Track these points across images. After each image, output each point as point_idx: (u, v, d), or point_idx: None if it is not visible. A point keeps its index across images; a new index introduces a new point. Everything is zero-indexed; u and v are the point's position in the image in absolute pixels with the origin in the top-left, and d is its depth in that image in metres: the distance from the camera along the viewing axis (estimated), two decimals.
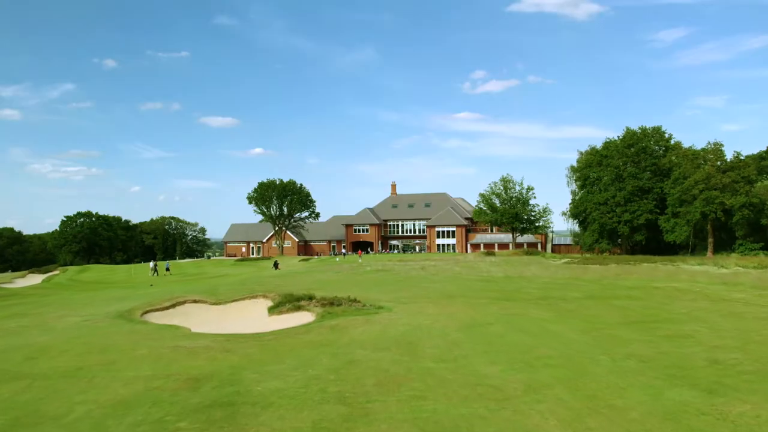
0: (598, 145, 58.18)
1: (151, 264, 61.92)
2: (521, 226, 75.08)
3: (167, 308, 20.57)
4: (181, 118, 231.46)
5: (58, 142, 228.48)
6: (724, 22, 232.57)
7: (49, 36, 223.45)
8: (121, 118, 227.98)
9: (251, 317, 19.08)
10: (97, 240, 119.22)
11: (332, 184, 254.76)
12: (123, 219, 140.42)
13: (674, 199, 48.44)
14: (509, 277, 31.19)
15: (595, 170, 56.33)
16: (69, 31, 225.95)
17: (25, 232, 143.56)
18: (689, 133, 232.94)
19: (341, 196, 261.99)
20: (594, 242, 55.07)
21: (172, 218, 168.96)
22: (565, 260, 42.12)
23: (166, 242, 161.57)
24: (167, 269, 61.11)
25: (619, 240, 55.47)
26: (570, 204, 60.70)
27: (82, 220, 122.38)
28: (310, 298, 19.29)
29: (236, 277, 44.01)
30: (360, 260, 61.72)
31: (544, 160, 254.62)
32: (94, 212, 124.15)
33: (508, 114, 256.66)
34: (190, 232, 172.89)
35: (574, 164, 61.62)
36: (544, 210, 74.87)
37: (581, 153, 61.36)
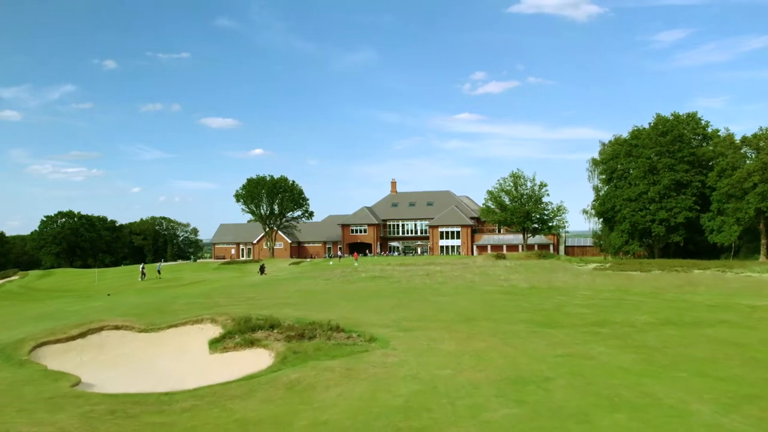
0: (624, 134, 52.17)
1: (140, 267, 56.36)
2: (533, 226, 69.17)
3: (74, 338, 14.75)
4: (181, 119, 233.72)
5: (59, 143, 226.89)
6: (724, 24, 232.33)
7: (49, 37, 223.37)
8: (121, 119, 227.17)
9: (183, 356, 13.26)
10: (78, 241, 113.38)
11: (332, 185, 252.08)
12: (109, 219, 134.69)
13: (721, 194, 42.41)
14: (537, 288, 25.34)
15: (622, 162, 50.18)
16: (69, 32, 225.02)
17: (21, 233, 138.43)
18: None
19: (342, 197, 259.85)
20: (623, 244, 48.96)
21: (163, 218, 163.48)
22: (594, 265, 36.29)
23: (157, 243, 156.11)
24: (159, 272, 55.39)
25: (651, 241, 49.34)
26: (594, 201, 54.49)
27: (63, 220, 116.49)
28: (272, 326, 13.51)
29: (210, 284, 38.22)
30: (356, 264, 55.96)
31: (544, 161, 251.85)
32: (76, 212, 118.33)
33: (508, 115, 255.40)
34: (182, 233, 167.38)
35: (596, 156, 55.65)
36: (558, 208, 68.87)
37: (604, 144, 55.26)
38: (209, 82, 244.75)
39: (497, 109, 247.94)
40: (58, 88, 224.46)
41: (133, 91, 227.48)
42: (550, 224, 68.71)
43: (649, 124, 50.67)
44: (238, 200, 79.01)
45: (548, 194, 69.27)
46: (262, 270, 53.19)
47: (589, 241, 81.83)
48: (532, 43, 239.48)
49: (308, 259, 72.90)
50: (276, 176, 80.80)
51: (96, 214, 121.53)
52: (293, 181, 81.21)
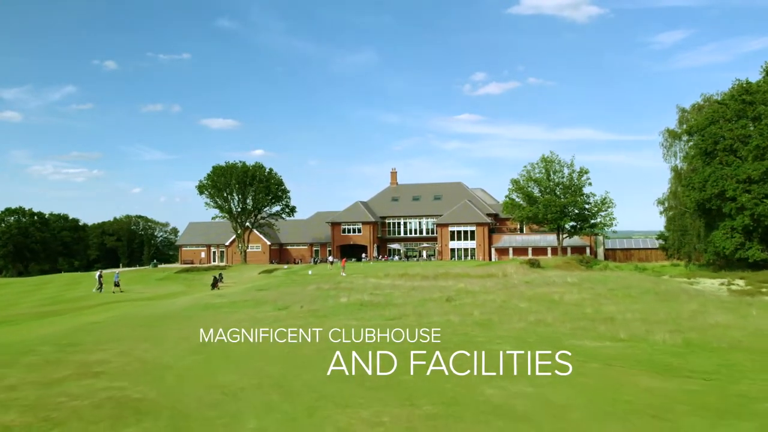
0: (714, 93, 38.29)
1: (97, 275, 42.67)
2: (571, 223, 56.09)
3: None
4: (181, 120, 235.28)
5: (59, 144, 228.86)
6: (724, 25, 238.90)
7: (49, 38, 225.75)
8: (121, 119, 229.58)
9: None
10: (27, 242, 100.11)
11: (332, 186, 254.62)
12: (71, 217, 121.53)
13: None
14: (706, 347, 12.14)
15: (729, 128, 36.23)
16: (70, 33, 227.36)
17: None
18: None
19: (342, 197, 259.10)
20: (737, 248, 34.93)
21: (140, 217, 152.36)
22: (717, 282, 23.05)
23: (132, 245, 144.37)
24: (116, 284, 40.83)
25: None
26: (683, 185, 40.35)
27: (12, 218, 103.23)
28: None
29: (109, 310, 25.13)
30: (343, 273, 43.02)
31: None
32: (27, 208, 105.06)
33: (508, 116, 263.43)
34: (160, 234, 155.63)
35: (672, 127, 42.16)
36: (603, 201, 55.86)
37: (684, 111, 41.45)
38: (210, 83, 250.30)
39: (497, 110, 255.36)
40: (58, 89, 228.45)
41: (134, 91, 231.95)
42: (593, 221, 55.63)
43: (763, 70, 36.90)
44: (201, 192, 65.74)
45: (590, 183, 56.25)
46: (215, 283, 40.32)
47: (634, 243, 68.68)
48: (532, 44, 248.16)
49: (286, 266, 59.67)
50: (250, 163, 67.49)
51: (36, 211, 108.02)
52: (270, 169, 68.07)
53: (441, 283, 30.20)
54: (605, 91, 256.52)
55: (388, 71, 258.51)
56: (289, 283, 35.22)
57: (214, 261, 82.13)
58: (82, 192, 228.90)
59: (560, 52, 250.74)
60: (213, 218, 68.31)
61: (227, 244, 79.69)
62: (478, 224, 70.15)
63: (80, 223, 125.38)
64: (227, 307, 22.64)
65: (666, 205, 44.91)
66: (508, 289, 24.50)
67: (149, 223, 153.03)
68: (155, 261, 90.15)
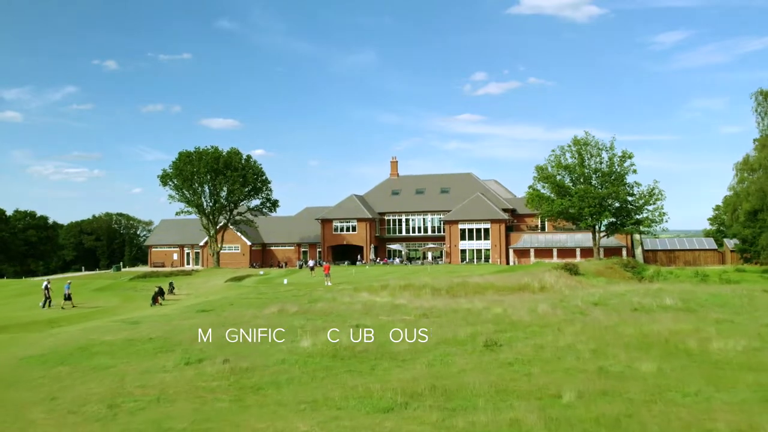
0: None
1: (43, 285, 31.61)
2: (610, 220, 46.82)
3: None
4: (182, 120, 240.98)
5: (60, 144, 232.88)
6: (723, 25, 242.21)
7: (50, 39, 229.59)
8: (122, 120, 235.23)
9: None
10: None
11: (332, 186, 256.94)
12: (38, 215, 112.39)
13: None
14: None
15: None
16: (70, 33, 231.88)
17: None
18: (689, 134, 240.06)
19: (340, 197, 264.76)
20: None
21: (121, 215, 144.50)
22: None
23: (112, 245, 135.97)
24: (67, 297, 30.37)
25: None
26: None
27: None
28: None
29: None
30: (328, 282, 33.98)
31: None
32: None
33: (508, 116, 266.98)
34: (143, 233, 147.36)
35: (765, 87, 33.25)
36: (651, 193, 46.54)
37: None
38: (210, 83, 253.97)
39: (498, 110, 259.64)
40: (59, 89, 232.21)
41: (134, 92, 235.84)
42: (639, 216, 46.41)
43: None
44: (164, 183, 56.34)
45: (635, 171, 46.84)
46: (155, 297, 31.26)
47: (678, 243, 59.46)
48: (532, 44, 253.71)
49: (262, 272, 50.29)
50: (225, 149, 58.00)
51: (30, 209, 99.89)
52: (248, 156, 58.72)
53: (462, 302, 21.04)
54: (605, 92, 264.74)
55: (388, 71, 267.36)
56: (250, 300, 26.08)
57: (188, 264, 73.00)
58: (83, 192, 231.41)
59: (560, 52, 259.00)
60: (177, 213, 58.92)
61: (202, 244, 70.48)
62: (492, 221, 60.90)
63: (50, 221, 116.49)
64: (107, 354, 13.45)
65: (745, 195, 35.45)
66: (579, 319, 15.24)
67: (131, 222, 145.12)
68: (119, 264, 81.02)
